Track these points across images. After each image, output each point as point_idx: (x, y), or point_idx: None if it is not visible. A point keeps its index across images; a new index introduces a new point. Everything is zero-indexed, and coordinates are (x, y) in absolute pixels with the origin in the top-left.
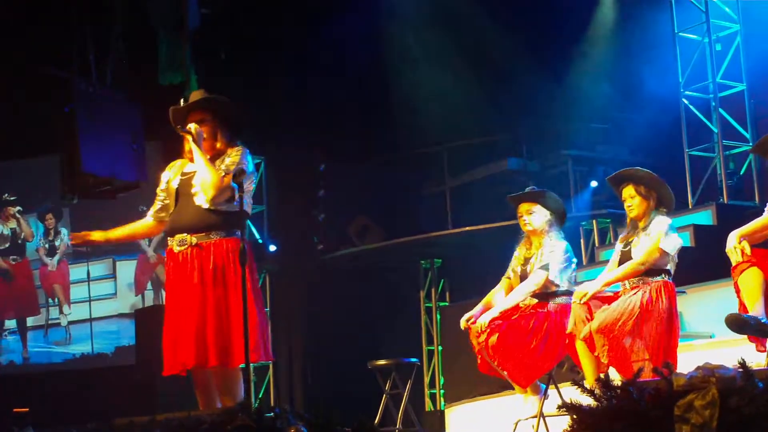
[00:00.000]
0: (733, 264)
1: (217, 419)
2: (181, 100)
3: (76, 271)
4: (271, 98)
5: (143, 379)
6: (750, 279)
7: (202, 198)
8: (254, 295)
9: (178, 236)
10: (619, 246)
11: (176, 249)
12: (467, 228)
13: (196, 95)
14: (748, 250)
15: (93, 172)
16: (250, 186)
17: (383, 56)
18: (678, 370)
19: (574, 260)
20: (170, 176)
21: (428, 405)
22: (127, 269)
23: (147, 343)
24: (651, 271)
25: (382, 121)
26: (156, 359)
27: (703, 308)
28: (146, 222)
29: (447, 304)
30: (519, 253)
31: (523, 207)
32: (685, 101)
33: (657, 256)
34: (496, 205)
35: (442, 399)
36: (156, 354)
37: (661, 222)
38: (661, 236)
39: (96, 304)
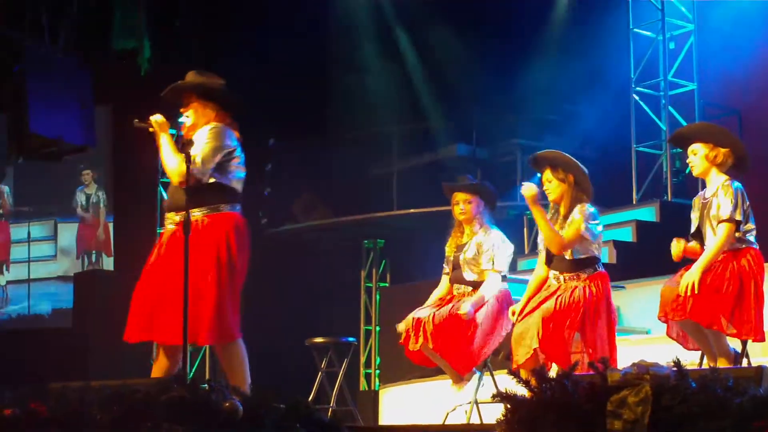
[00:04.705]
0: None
1: (152, 389)
2: (178, 82)
3: (17, 231)
4: (223, 68)
5: (78, 343)
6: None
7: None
8: (228, 271)
9: (167, 216)
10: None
11: (167, 227)
12: (412, 210)
13: (189, 77)
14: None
15: (40, 133)
16: (230, 161)
17: (340, 36)
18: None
19: (510, 246)
20: None
21: (363, 385)
22: (68, 232)
23: (84, 307)
24: (583, 263)
25: (335, 100)
26: (92, 323)
27: (642, 304)
28: None
29: (387, 285)
30: (451, 242)
31: (460, 195)
32: (636, 97)
33: (576, 239)
34: (443, 190)
35: (377, 379)
36: (92, 318)
37: (582, 209)
38: (582, 222)
39: (35, 266)
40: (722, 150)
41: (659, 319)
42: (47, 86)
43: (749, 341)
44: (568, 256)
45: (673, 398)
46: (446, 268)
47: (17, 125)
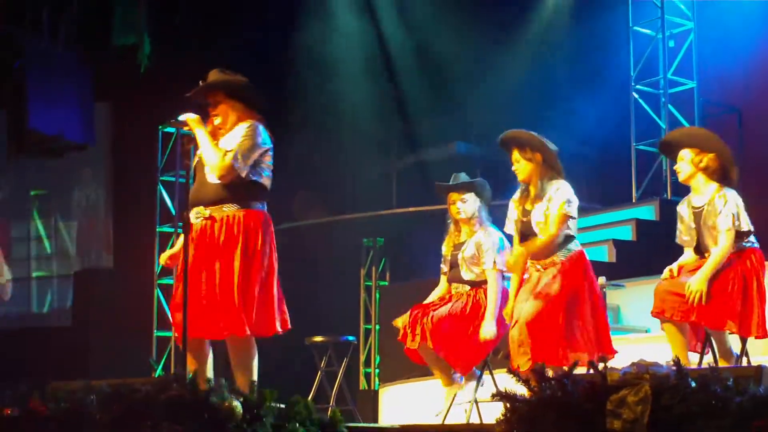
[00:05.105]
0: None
1: (151, 389)
2: (200, 82)
3: (17, 228)
4: (221, 64)
5: (78, 341)
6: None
7: (212, 176)
8: (259, 267)
9: (195, 209)
10: (513, 210)
11: (193, 221)
12: (411, 209)
13: (211, 75)
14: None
15: (40, 130)
16: (263, 159)
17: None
18: (612, 362)
19: (507, 244)
20: (195, 155)
21: (362, 384)
22: (68, 230)
23: (84, 306)
24: (557, 246)
25: (334, 98)
26: (92, 321)
27: (641, 303)
28: None
29: (387, 283)
30: (448, 241)
31: (456, 195)
32: (635, 95)
33: (565, 224)
34: (436, 190)
35: (376, 378)
36: (92, 316)
37: (561, 188)
38: (564, 203)
39: (35, 263)
40: (708, 155)
41: (652, 315)
42: (47, 82)
43: (749, 340)
44: (542, 236)
45: (673, 397)
46: (444, 268)
47: (17, 122)
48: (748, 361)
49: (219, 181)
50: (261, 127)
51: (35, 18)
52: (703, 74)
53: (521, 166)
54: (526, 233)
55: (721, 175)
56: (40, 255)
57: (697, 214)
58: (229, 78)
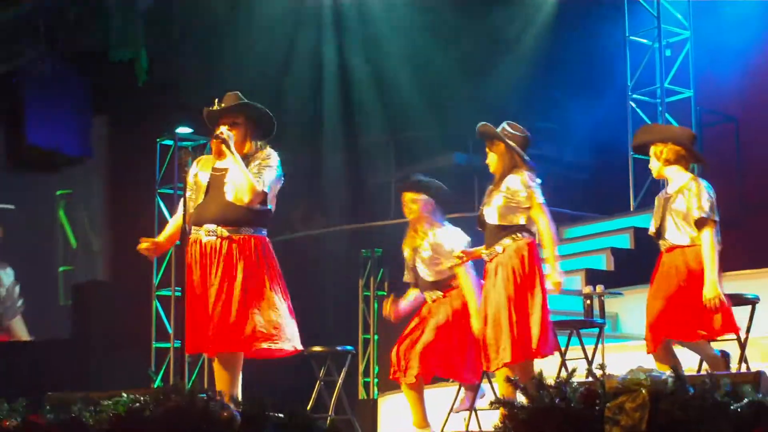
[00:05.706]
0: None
1: (150, 400)
2: (215, 101)
3: (45, 225)
4: (220, 79)
5: (77, 353)
6: None
7: (233, 197)
8: (277, 287)
9: (206, 227)
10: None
11: (204, 239)
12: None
13: (230, 98)
14: None
15: (38, 145)
16: (276, 188)
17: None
18: (611, 372)
19: (465, 236)
20: (197, 170)
21: (362, 393)
22: (92, 227)
23: (83, 317)
24: (505, 230)
25: (333, 109)
26: (91, 333)
27: (640, 311)
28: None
29: (385, 293)
30: (407, 243)
31: (408, 195)
32: (633, 104)
33: (543, 210)
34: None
35: (375, 388)
36: (91, 328)
37: (523, 178)
38: (533, 193)
39: (62, 258)
40: (667, 146)
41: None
42: (44, 96)
43: (748, 346)
44: (492, 221)
45: (671, 404)
46: (408, 275)
47: (15, 137)
48: (747, 367)
49: (244, 204)
50: (279, 161)
51: (33, 31)
52: (700, 83)
53: (490, 158)
54: (480, 220)
55: (689, 161)
56: (66, 250)
57: (666, 200)
58: (256, 105)
